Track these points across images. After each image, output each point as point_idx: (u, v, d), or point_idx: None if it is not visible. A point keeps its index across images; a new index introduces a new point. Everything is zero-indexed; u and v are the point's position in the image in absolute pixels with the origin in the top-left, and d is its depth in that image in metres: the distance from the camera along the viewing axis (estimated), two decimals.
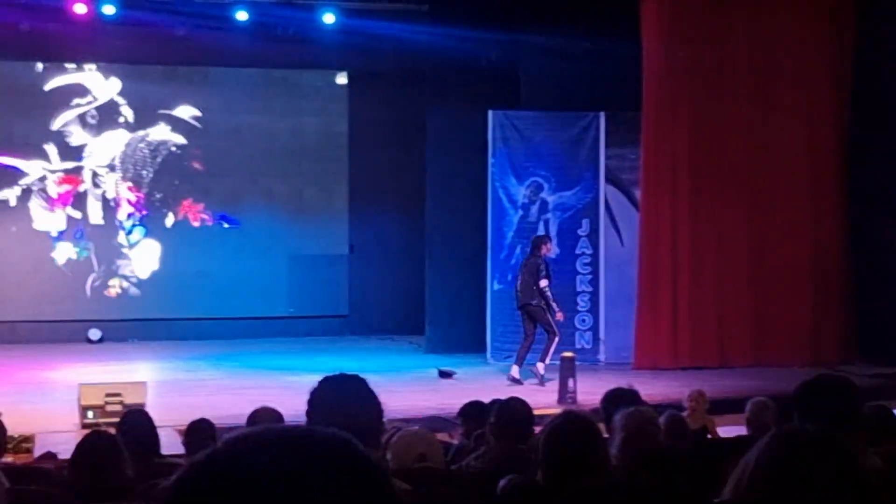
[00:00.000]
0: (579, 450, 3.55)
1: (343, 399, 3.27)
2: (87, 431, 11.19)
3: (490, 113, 16.17)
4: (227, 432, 7.64)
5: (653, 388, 13.23)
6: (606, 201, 16.31)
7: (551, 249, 14.85)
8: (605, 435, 5.61)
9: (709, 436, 8.92)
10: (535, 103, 16.59)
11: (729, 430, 9.62)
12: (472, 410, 7.81)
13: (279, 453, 1.25)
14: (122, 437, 5.51)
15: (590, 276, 16.27)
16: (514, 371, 14.39)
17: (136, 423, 5.84)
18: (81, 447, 4.59)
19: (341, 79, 19.61)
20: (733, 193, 15.92)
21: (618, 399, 6.09)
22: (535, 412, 11.11)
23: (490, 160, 16.19)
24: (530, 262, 14.55)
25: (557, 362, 13.55)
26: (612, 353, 16.13)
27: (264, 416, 6.11)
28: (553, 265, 16.12)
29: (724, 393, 13.39)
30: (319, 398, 3.29)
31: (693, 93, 15.80)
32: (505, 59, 16.83)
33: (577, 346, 15.62)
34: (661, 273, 15.86)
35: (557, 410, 12.31)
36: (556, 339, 14.42)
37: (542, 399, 13.00)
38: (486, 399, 10.28)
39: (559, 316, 14.49)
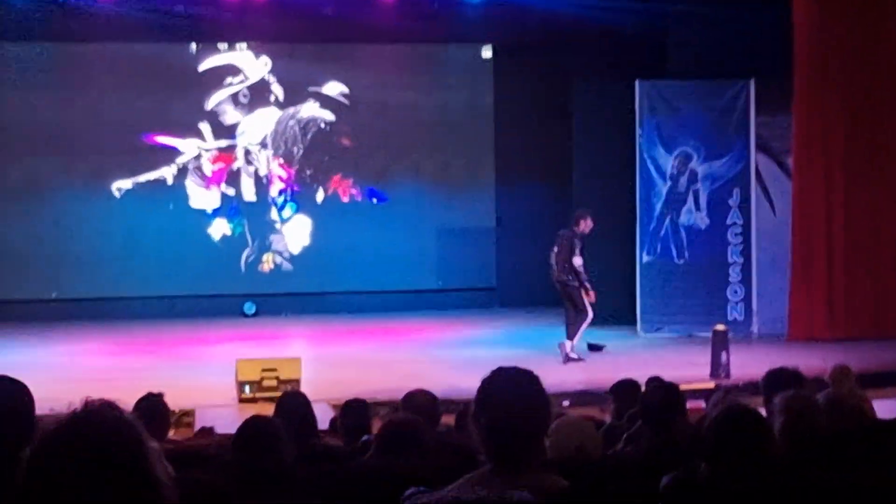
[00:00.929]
0: (747, 444, 3.49)
1: (513, 393, 3.21)
2: (244, 406, 11.54)
3: (637, 83, 15.98)
4: (379, 408, 7.79)
5: (808, 361, 12.95)
6: (758, 170, 16.01)
7: (590, 226, 14.25)
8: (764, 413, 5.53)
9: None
10: (682, 72, 16.33)
11: (889, 404, 9.36)
12: (624, 389, 7.70)
13: None
14: (280, 418, 5.65)
15: (741, 247, 16.01)
16: (568, 348, 14.09)
17: (294, 405, 5.96)
18: (242, 432, 4.71)
19: (486, 52, 19.61)
20: (889, 160, 15.45)
21: (779, 380, 5.95)
22: (688, 387, 11.07)
23: (638, 131, 16.03)
24: (566, 235, 14.12)
25: (708, 335, 13.34)
26: (765, 325, 15.85)
27: (419, 399, 6.18)
28: (703, 235, 15.93)
29: (883, 365, 13.08)
30: (490, 389, 3.25)
31: (846, 57, 15.33)
32: (651, 28, 16.59)
33: (730, 319, 15.42)
34: (815, 242, 15.52)
35: (710, 385, 12.22)
36: (588, 319, 14.11)
37: (695, 373, 12.87)
38: (637, 374, 10.23)
39: (591, 296, 14.13)
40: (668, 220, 15.94)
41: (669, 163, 15.98)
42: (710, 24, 15.88)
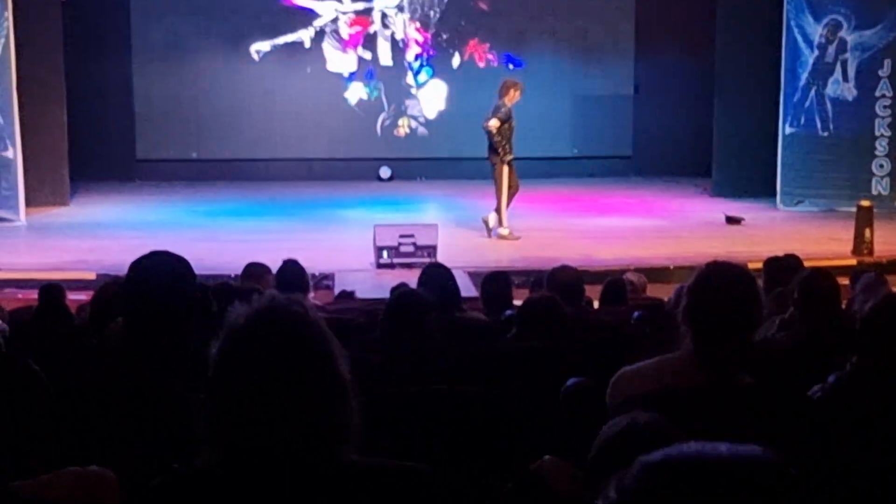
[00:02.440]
0: None
1: (729, 293, 3.09)
2: (382, 271, 11.69)
3: None
4: (518, 276, 7.82)
5: None
6: None
7: (517, 97, 13.65)
8: None
9: None
10: None
11: None
12: (774, 266, 7.41)
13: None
14: (423, 289, 5.70)
15: (889, 120, 15.48)
16: (492, 222, 13.58)
17: (438, 277, 6.00)
18: (391, 305, 4.76)
19: None
20: None
21: None
22: (829, 263, 10.87)
23: None
24: (494, 105, 13.65)
25: (851, 210, 13.02)
26: None
27: (563, 276, 6.18)
28: (849, 107, 15.44)
29: None
30: (705, 287, 3.14)
31: None
32: None
33: (874, 193, 15.02)
34: None
35: (852, 262, 11.99)
36: (506, 193, 13.49)
37: (837, 249, 12.64)
38: (777, 248, 10.07)
39: (505, 158, 13.43)
40: (813, 91, 15.48)
41: (817, 31, 15.44)
42: None
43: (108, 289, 5.31)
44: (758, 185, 16.30)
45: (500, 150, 13.38)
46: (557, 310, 4.98)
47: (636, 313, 6.21)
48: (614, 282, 7.29)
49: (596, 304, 7.43)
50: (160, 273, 3.27)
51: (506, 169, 13.53)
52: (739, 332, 3.11)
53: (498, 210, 13.65)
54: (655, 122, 19.16)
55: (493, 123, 13.35)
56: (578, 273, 6.47)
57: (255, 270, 7.82)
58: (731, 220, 14.62)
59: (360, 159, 19.00)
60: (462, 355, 4.54)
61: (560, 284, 5.94)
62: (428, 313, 4.77)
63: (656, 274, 11.12)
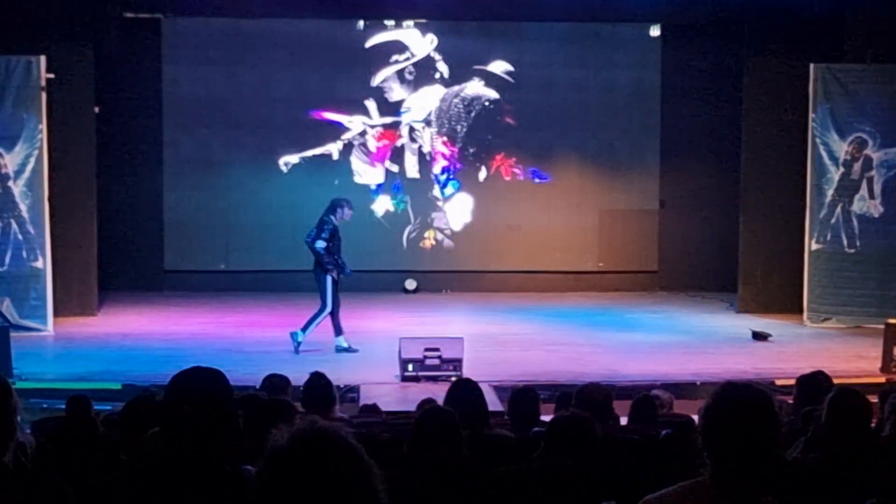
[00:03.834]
0: None
1: (747, 417, 3.03)
2: (407, 384, 11.65)
3: (812, 66, 15.55)
4: (544, 391, 7.74)
5: None
6: None
7: (349, 214, 13.94)
8: None
9: None
10: (860, 55, 15.83)
11: None
12: (809, 382, 7.29)
13: None
14: (452, 406, 5.68)
15: None
16: (341, 340, 13.64)
17: (466, 394, 5.98)
18: (419, 422, 4.75)
19: (654, 31, 19.31)
20: None
21: None
22: (857, 381, 10.78)
23: (811, 115, 15.59)
24: (323, 220, 13.82)
25: (879, 327, 12.96)
26: None
27: (593, 394, 6.15)
28: (875, 224, 15.45)
29: None
30: (722, 410, 3.08)
31: None
32: (829, 8, 16.08)
33: None
34: None
35: (881, 379, 11.89)
36: (325, 312, 13.56)
37: (864, 367, 12.55)
38: (804, 365, 10.01)
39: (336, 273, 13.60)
40: (839, 208, 15.52)
41: (843, 149, 15.53)
42: (891, 4, 15.36)
43: (139, 402, 5.32)
44: (784, 302, 16.26)
45: (327, 267, 13.63)
46: (588, 429, 4.93)
47: (664, 431, 6.16)
48: (643, 399, 7.24)
49: (623, 421, 7.38)
50: (200, 390, 3.28)
51: (330, 281, 13.67)
52: (759, 455, 3.05)
53: (309, 324, 13.66)
54: (681, 237, 19.21)
55: (321, 245, 13.62)
56: (608, 391, 6.44)
57: (275, 382, 7.80)
58: (758, 337, 14.54)
59: (386, 271, 19.07)
60: (489, 474, 4.50)
61: (589, 402, 5.91)
62: (456, 432, 4.75)
63: (683, 390, 11.04)
